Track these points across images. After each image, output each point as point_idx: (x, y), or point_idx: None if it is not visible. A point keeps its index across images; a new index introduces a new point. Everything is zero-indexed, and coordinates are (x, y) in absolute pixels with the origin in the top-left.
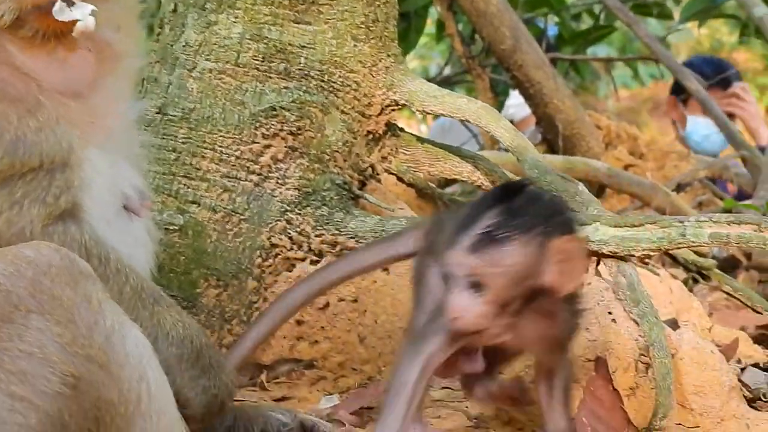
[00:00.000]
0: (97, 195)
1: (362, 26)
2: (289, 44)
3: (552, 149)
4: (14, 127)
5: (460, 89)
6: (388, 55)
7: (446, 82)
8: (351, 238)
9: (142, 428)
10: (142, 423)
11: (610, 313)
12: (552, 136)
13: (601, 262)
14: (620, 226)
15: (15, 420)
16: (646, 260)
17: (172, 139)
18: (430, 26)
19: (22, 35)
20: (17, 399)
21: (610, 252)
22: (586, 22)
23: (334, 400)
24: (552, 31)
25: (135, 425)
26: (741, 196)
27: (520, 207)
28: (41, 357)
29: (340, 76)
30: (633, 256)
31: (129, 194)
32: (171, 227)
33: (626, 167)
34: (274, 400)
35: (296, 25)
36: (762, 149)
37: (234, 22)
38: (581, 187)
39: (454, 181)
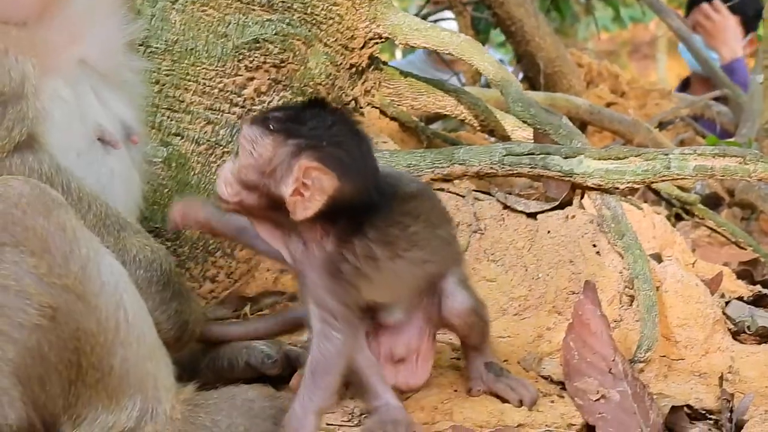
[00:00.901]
0: (62, 126)
1: None
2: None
3: (533, 87)
4: None
5: None
6: None
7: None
8: None
9: (122, 356)
10: (122, 351)
11: (594, 245)
12: (533, 74)
13: (585, 195)
14: (604, 159)
15: None
16: (629, 194)
17: (155, 72)
18: None
19: None
20: None
21: (595, 185)
22: None
23: None
24: None
25: (115, 354)
26: (723, 135)
27: (309, 118)
28: (17, 289)
29: (323, 9)
30: (617, 188)
31: (104, 126)
32: (155, 159)
33: (608, 105)
34: None
35: None
36: (725, 68)
37: None
38: (565, 120)
39: (438, 118)
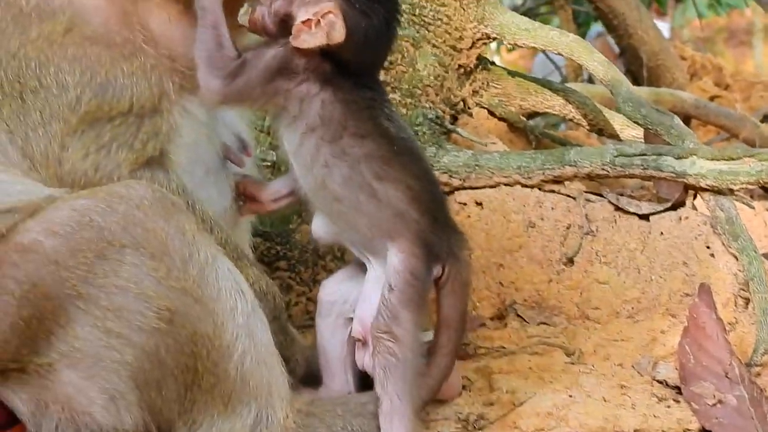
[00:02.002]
0: (192, 143)
1: None
2: None
3: (636, 81)
4: (105, 70)
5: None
6: None
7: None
8: (444, 173)
9: (237, 361)
10: (238, 355)
11: (708, 247)
12: (636, 68)
13: (698, 196)
14: (718, 159)
15: (111, 357)
16: (739, 193)
17: None
18: None
19: None
20: (113, 336)
21: (708, 186)
22: None
23: (429, 336)
24: None
25: (231, 358)
26: None
27: None
28: (137, 292)
29: (431, 10)
30: (731, 190)
31: (229, 145)
32: (264, 163)
33: (712, 98)
34: None
35: None
36: None
37: None
38: (677, 120)
39: (537, 114)
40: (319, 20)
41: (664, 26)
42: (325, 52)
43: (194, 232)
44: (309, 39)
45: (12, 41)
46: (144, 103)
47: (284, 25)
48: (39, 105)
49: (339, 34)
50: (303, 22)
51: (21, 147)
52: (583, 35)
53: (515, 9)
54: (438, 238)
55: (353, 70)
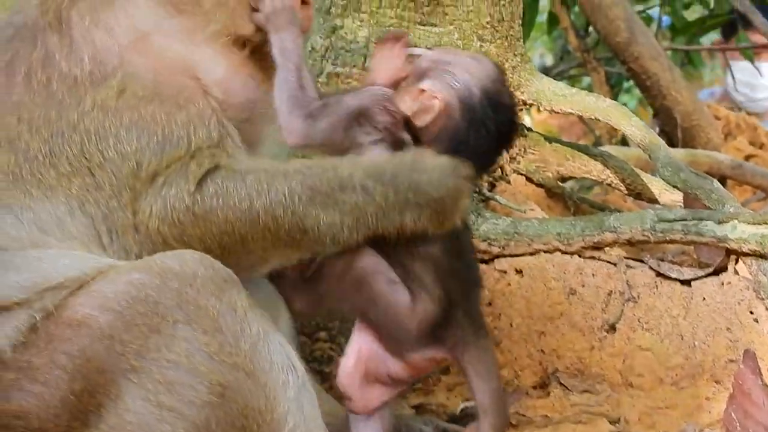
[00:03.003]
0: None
1: (488, 26)
2: (415, 46)
3: (671, 141)
4: (161, 126)
5: (567, 83)
6: (515, 55)
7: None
8: (483, 240)
9: None
10: (288, 429)
11: (751, 312)
12: (670, 129)
13: (740, 261)
14: (759, 224)
15: (162, 430)
16: None
17: None
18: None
19: (238, 46)
20: (165, 409)
21: (750, 250)
22: (698, 12)
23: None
24: (665, 21)
25: (281, 431)
26: None
27: None
28: (189, 367)
29: None
30: None
31: None
32: None
33: (747, 158)
34: (412, 407)
35: (422, 26)
36: None
37: (359, 25)
38: (716, 183)
39: (571, 177)
40: (424, 95)
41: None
42: (410, 124)
43: (245, 308)
44: (403, 102)
45: (71, 114)
46: (201, 145)
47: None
48: (107, 178)
49: (423, 120)
50: (416, 88)
51: (102, 218)
52: (616, 95)
53: (546, 70)
54: (447, 322)
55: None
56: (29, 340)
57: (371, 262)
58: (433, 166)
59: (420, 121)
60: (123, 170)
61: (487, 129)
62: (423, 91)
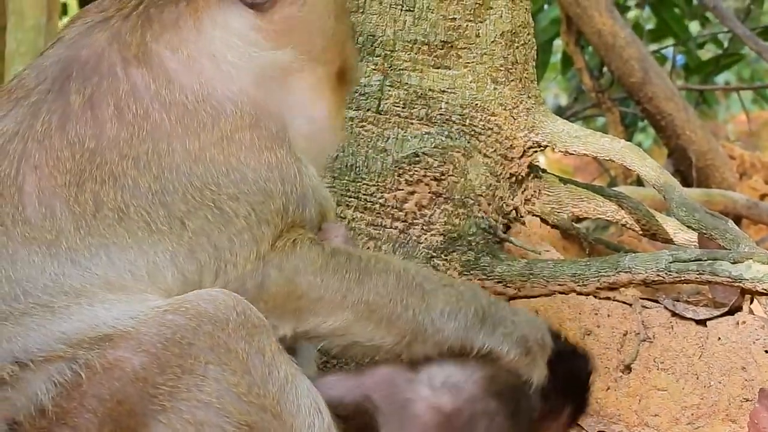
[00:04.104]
0: None
1: (502, 68)
2: (430, 89)
3: (685, 181)
4: (298, 178)
5: (582, 123)
6: (529, 97)
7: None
8: (498, 282)
9: None
10: None
11: (766, 351)
12: (685, 168)
13: (755, 300)
14: None
15: None
16: None
17: None
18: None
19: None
20: None
21: (765, 290)
22: (711, 51)
23: None
24: (679, 60)
25: None
26: None
27: None
28: (218, 407)
29: (481, 120)
30: None
31: None
32: None
33: (762, 197)
34: None
35: (436, 70)
36: None
37: (374, 69)
38: (731, 224)
39: (586, 218)
40: None
41: None
42: None
43: (274, 352)
44: None
45: (189, 144)
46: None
47: None
48: (243, 211)
49: None
50: None
51: (215, 257)
52: (630, 136)
53: (560, 110)
54: None
55: None
56: (69, 390)
57: None
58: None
59: None
60: (266, 207)
61: None
62: None
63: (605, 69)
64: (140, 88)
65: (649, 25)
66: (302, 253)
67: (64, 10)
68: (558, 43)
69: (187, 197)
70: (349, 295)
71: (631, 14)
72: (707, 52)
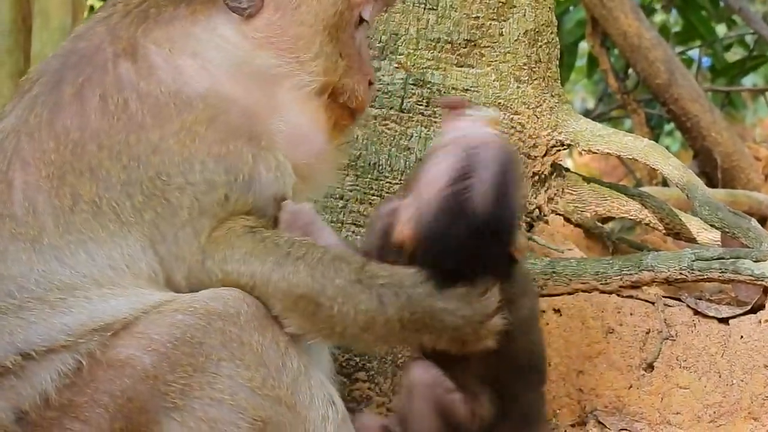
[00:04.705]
0: None
1: (525, 67)
2: (453, 88)
3: (711, 182)
4: (249, 167)
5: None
6: (552, 96)
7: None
8: None
9: None
10: None
11: None
12: (710, 169)
13: None
14: None
15: None
16: None
17: (338, 187)
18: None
19: (325, 101)
20: None
21: None
22: (738, 53)
23: None
24: (705, 62)
25: None
26: None
27: None
28: (232, 403)
29: (504, 118)
30: None
31: None
32: None
33: None
34: None
35: (459, 68)
36: None
37: (397, 68)
38: (754, 222)
39: (611, 218)
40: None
41: None
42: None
43: (287, 343)
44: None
45: (152, 135)
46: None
47: None
48: (188, 202)
49: (401, 234)
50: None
51: (167, 250)
52: (656, 138)
53: (587, 112)
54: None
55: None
56: (73, 380)
57: (425, 375)
58: (450, 295)
59: (402, 240)
60: (208, 198)
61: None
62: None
63: (631, 71)
64: (124, 79)
65: (676, 28)
66: (232, 242)
67: (91, 10)
68: (584, 46)
69: (143, 188)
70: (269, 281)
71: (658, 18)
72: (734, 55)
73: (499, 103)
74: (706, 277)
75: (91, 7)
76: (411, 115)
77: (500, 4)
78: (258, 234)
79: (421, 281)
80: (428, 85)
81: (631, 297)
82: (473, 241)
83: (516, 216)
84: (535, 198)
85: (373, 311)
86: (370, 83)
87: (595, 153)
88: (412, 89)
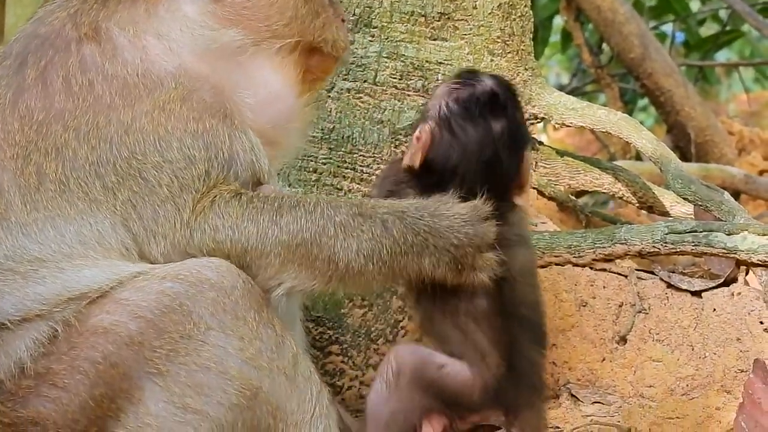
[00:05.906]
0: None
1: (498, 41)
2: (426, 61)
3: (684, 157)
4: (226, 144)
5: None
6: (525, 69)
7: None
8: None
9: None
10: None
11: (761, 323)
12: (684, 144)
13: (750, 272)
14: None
15: (185, 431)
16: None
17: (312, 160)
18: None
19: (296, 59)
20: (190, 411)
21: (760, 261)
22: (711, 28)
23: None
24: (679, 37)
25: None
26: None
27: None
28: (219, 370)
29: None
30: None
31: None
32: None
33: (761, 173)
34: None
35: (432, 41)
36: None
37: (370, 40)
38: (727, 195)
39: (585, 192)
40: (413, 140)
41: None
42: (413, 172)
43: (283, 330)
44: (405, 158)
45: (123, 115)
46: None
47: None
48: (166, 180)
49: (415, 160)
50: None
51: (143, 227)
52: (630, 112)
53: (561, 88)
54: (507, 385)
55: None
56: (49, 348)
57: (413, 357)
58: (454, 212)
59: (414, 162)
60: (188, 173)
61: (476, 132)
62: (416, 135)
63: (605, 45)
64: (88, 61)
65: (650, 2)
66: (220, 209)
67: None
68: (558, 22)
69: (117, 168)
70: (265, 238)
71: None
72: (708, 30)
73: None
74: (679, 250)
75: None
76: (384, 88)
77: None
78: (245, 195)
79: (424, 205)
80: (402, 58)
81: (604, 270)
82: (486, 150)
83: (526, 136)
84: None
85: (378, 236)
86: (342, 21)
87: (569, 126)
88: (386, 62)
